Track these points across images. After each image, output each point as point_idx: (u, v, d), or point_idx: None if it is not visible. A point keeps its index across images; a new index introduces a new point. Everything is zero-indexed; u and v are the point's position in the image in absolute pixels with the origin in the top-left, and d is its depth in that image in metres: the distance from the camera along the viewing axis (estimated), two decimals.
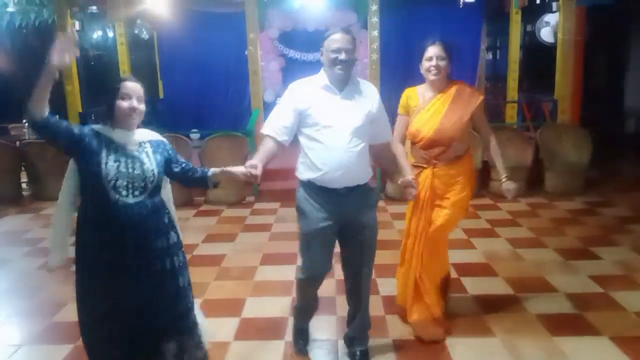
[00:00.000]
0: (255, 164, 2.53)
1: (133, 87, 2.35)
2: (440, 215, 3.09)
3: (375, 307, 3.62)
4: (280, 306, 3.71)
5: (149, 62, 9.61)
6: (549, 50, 7.11)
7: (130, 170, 2.33)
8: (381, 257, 4.55)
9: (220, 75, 8.79)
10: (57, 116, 2.25)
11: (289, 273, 4.24)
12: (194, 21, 8.26)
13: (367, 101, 2.80)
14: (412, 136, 3.15)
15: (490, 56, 10.72)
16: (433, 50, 3.00)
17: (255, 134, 7.10)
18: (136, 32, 8.49)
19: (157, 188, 2.44)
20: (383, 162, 3.21)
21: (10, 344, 3.31)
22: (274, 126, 2.75)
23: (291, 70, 9.14)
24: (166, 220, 2.48)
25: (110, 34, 9.42)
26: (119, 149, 2.34)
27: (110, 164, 2.29)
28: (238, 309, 3.68)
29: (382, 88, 7.44)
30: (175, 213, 2.59)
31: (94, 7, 7.51)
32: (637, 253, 4.55)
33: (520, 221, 5.54)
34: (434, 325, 3.19)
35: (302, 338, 3.17)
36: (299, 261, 2.93)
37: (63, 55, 2.13)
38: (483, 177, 6.48)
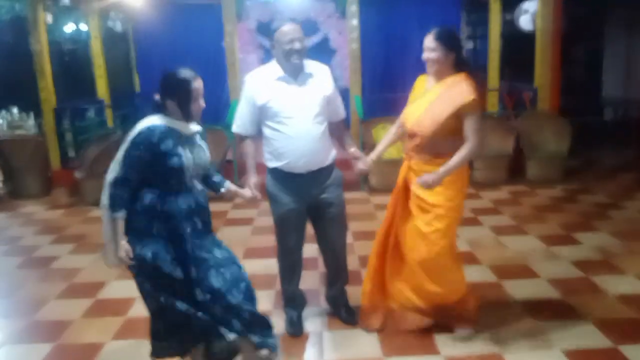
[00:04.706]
0: (256, 182, 2.90)
1: (200, 84, 2.42)
2: (428, 236, 2.85)
3: (359, 299, 3.60)
4: (264, 300, 3.67)
5: (124, 55, 9.44)
6: (528, 39, 7.15)
7: (199, 159, 2.48)
8: (365, 248, 4.58)
9: (198, 68, 8.56)
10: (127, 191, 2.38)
11: (273, 266, 4.18)
12: (170, 13, 8.12)
13: (321, 84, 2.96)
14: (403, 125, 3.00)
15: (470, 45, 10.75)
16: (425, 42, 2.80)
17: None
18: (110, 25, 8.32)
19: None
20: (338, 139, 3.18)
21: None
22: (240, 123, 3.01)
23: (270, 61, 9.04)
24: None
25: (85, 28, 9.23)
26: (186, 140, 2.45)
27: (188, 156, 2.41)
28: None
29: (363, 78, 7.41)
30: None
31: (67, 0, 7.33)
32: (615, 238, 4.62)
33: (503, 209, 5.57)
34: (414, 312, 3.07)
35: (294, 307, 3.28)
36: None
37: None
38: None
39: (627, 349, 2.89)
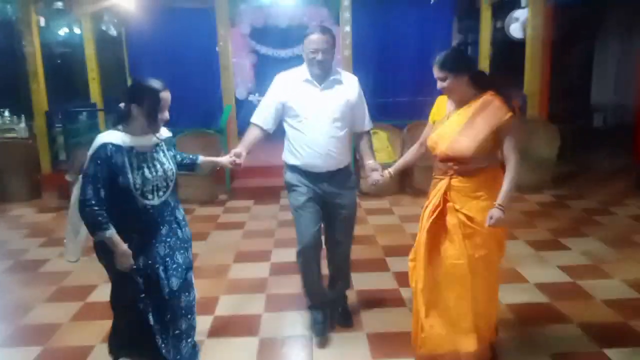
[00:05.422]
0: (239, 152, 2.89)
1: (168, 96, 2.40)
2: (475, 246, 2.72)
3: (350, 301, 3.61)
4: (255, 304, 3.68)
5: (117, 59, 9.42)
6: (519, 47, 7.21)
7: (154, 174, 2.41)
8: (354, 252, 4.57)
9: (191, 72, 8.66)
10: (100, 201, 2.29)
11: (263, 271, 4.21)
12: (164, 17, 8.13)
13: (345, 91, 3.05)
14: (430, 148, 2.82)
15: None
16: (434, 73, 2.68)
17: (227, 131, 7.04)
18: (103, 28, 8.31)
19: (175, 184, 2.56)
20: (357, 150, 3.25)
21: None
22: (260, 116, 3.09)
23: (263, 66, 9.08)
24: (183, 214, 2.64)
25: (77, 31, 9.20)
26: (140, 155, 2.39)
27: (135, 173, 2.35)
28: (211, 308, 3.63)
29: None
30: None
31: (59, 3, 7.31)
32: (603, 243, 4.66)
33: None
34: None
35: (318, 306, 3.28)
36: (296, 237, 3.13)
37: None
38: None
39: (612, 353, 2.93)
